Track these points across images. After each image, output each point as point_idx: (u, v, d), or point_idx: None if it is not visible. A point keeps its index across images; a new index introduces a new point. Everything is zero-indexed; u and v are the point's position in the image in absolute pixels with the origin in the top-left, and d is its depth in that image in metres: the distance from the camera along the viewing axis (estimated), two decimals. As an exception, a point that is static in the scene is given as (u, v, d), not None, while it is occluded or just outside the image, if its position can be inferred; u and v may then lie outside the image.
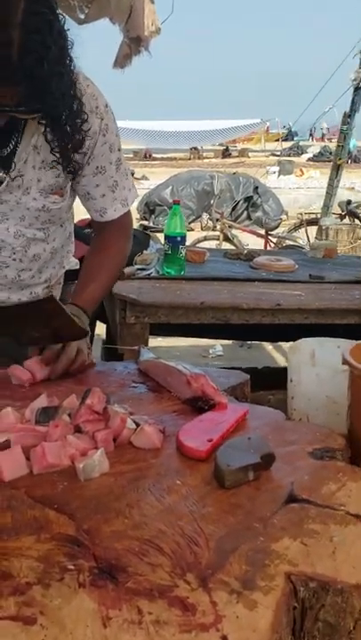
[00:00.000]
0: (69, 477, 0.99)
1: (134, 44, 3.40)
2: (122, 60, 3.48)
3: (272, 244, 6.55)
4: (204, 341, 4.59)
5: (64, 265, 1.67)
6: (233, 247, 5.87)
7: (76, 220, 1.74)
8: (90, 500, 0.93)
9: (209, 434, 1.09)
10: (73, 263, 1.71)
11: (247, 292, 2.81)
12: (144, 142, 25.84)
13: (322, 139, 35.35)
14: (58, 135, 1.28)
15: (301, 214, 7.88)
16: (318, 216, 7.37)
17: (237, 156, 27.24)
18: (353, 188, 13.94)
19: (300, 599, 0.76)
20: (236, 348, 4.88)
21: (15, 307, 1.43)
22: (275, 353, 4.85)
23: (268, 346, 4.91)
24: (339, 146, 7.82)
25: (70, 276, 1.74)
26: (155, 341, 4.05)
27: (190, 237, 5.39)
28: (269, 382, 2.20)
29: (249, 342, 4.87)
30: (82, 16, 3.27)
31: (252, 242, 6.88)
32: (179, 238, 2.92)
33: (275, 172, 18.08)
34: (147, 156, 26.11)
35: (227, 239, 6.76)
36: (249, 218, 11.57)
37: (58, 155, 1.32)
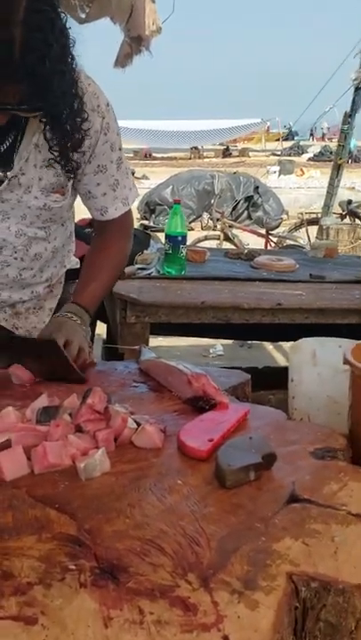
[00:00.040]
0: (70, 477, 0.99)
1: (135, 43, 3.40)
2: (123, 60, 3.48)
3: (273, 244, 6.55)
4: (204, 341, 4.58)
5: (65, 264, 1.67)
6: (233, 247, 5.88)
7: (76, 220, 1.74)
8: (91, 500, 0.93)
9: (210, 433, 1.09)
10: (74, 262, 1.71)
11: (248, 291, 2.81)
12: (145, 142, 25.83)
13: (322, 138, 35.34)
14: (57, 133, 1.28)
15: (302, 214, 7.88)
16: (319, 216, 7.37)
17: (238, 156, 27.23)
18: (353, 188, 13.93)
19: (301, 599, 0.76)
20: (236, 348, 4.88)
21: (21, 339, 1.46)
22: (275, 353, 4.85)
23: (269, 346, 4.90)
24: (339, 145, 7.81)
25: (71, 275, 1.74)
26: (155, 341, 4.05)
27: (191, 237, 5.39)
28: (270, 382, 2.20)
29: (249, 342, 4.87)
30: (83, 15, 3.27)
31: (252, 241, 6.88)
32: (179, 238, 2.92)
33: (275, 172, 18.07)
34: (146, 155, 26.10)
35: (227, 239, 6.76)
36: (249, 217, 11.57)
37: (57, 153, 1.32)
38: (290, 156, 24.38)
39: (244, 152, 28.30)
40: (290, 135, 34.08)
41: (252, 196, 11.64)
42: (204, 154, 27.84)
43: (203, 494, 0.95)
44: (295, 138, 34.48)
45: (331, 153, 18.61)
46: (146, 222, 10.49)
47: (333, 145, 15.07)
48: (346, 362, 1.13)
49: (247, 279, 3.01)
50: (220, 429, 1.11)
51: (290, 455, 1.06)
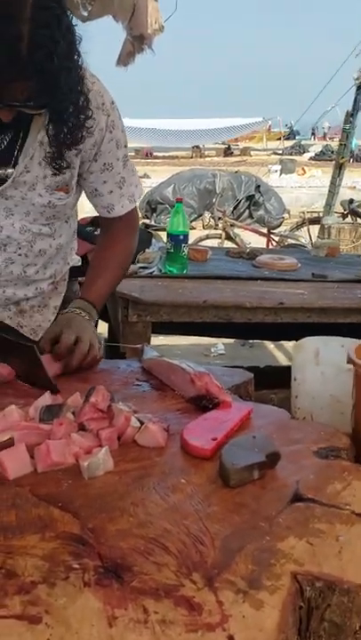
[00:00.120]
0: (74, 475, 0.98)
1: (137, 41, 3.39)
2: (125, 58, 3.48)
3: (274, 243, 6.54)
4: (205, 340, 4.58)
5: (68, 261, 1.67)
6: (235, 246, 5.87)
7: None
8: (94, 499, 0.92)
9: (213, 432, 1.09)
10: (75, 260, 1.71)
11: (250, 290, 2.81)
12: (146, 141, 25.82)
13: (324, 137, 35.31)
14: (58, 129, 1.28)
15: (304, 213, 7.87)
16: (321, 215, 7.36)
17: (239, 155, 27.21)
18: (355, 187, 13.91)
19: (306, 599, 0.76)
20: (237, 347, 4.88)
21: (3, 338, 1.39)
22: (276, 352, 4.84)
23: (270, 345, 4.90)
24: (341, 145, 7.79)
25: (74, 272, 1.75)
26: (157, 340, 4.04)
27: (192, 236, 5.38)
28: (272, 381, 2.20)
29: (251, 341, 4.87)
30: (85, 13, 3.27)
31: (254, 240, 6.87)
32: (181, 237, 2.92)
33: (277, 171, 18.05)
34: (147, 154, 26.08)
35: (229, 238, 6.75)
36: (251, 216, 11.56)
37: (54, 149, 1.32)
38: (291, 155, 24.36)
39: (245, 151, 28.27)
40: (291, 134, 34.08)
41: (253, 195, 11.63)
42: (206, 153, 27.81)
43: (206, 493, 0.94)
44: (297, 137, 34.48)
45: (332, 152, 18.58)
46: (147, 221, 10.49)
47: (335, 144, 15.05)
48: (349, 361, 1.13)
49: (249, 278, 3.00)
50: (223, 428, 1.11)
51: (293, 454, 1.05)
